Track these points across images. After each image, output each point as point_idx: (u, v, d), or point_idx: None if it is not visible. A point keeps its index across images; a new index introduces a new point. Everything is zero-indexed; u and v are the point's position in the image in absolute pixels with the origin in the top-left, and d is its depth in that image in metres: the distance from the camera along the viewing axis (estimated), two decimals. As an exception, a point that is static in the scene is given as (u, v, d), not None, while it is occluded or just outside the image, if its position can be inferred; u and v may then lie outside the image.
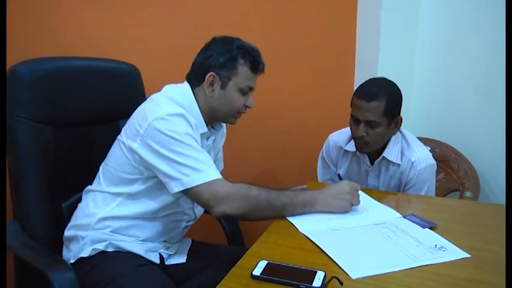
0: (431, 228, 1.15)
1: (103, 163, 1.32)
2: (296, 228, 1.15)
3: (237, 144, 1.85)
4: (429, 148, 1.66)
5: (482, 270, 0.96)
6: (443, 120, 2.10)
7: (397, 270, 0.94)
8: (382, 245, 1.06)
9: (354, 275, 0.91)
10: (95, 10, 2.06)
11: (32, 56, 1.33)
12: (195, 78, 1.29)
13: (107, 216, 1.24)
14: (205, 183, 1.13)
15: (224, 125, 1.47)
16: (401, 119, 1.51)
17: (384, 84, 1.49)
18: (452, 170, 1.96)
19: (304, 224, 1.17)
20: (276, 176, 2.26)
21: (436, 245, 1.05)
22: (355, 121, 1.48)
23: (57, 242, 1.31)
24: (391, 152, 1.54)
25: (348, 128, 1.60)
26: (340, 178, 1.70)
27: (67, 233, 1.29)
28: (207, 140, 1.34)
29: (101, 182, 1.29)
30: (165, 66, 1.82)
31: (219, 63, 1.24)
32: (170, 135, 1.14)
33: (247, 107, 1.31)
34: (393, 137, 1.55)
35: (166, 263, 1.32)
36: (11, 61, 1.28)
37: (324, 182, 1.72)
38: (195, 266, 1.36)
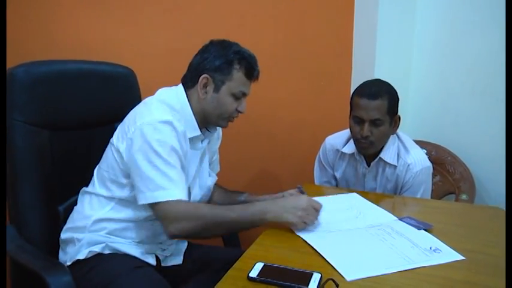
0: (426, 230, 1.16)
1: (97, 166, 1.33)
2: (292, 230, 1.15)
3: (234, 147, 1.85)
4: (425, 151, 1.66)
5: (477, 272, 0.97)
6: (440, 123, 2.10)
7: (392, 272, 0.94)
8: (378, 247, 1.06)
9: (349, 276, 0.92)
10: (92, 14, 2.07)
11: (29, 59, 1.33)
12: (190, 80, 1.29)
13: (102, 218, 1.25)
14: (164, 201, 1.13)
15: (219, 128, 1.47)
16: (399, 117, 1.52)
17: (382, 84, 1.51)
18: (448, 172, 1.97)
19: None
20: (273, 179, 2.27)
21: (431, 247, 1.05)
22: (358, 121, 1.48)
23: (53, 245, 1.31)
24: (387, 154, 1.55)
25: (345, 131, 1.61)
26: (336, 180, 1.71)
27: (63, 235, 1.29)
28: (201, 142, 1.34)
29: (95, 184, 1.30)
30: (161, 70, 1.83)
31: (214, 66, 1.25)
32: (151, 144, 1.14)
33: (239, 112, 1.31)
34: (390, 139, 1.56)
35: (162, 264, 1.32)
36: (8, 64, 1.28)
37: (321, 185, 1.73)
38: (191, 268, 1.36)
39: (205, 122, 1.32)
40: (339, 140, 1.67)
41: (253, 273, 0.92)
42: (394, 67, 2.03)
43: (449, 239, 1.10)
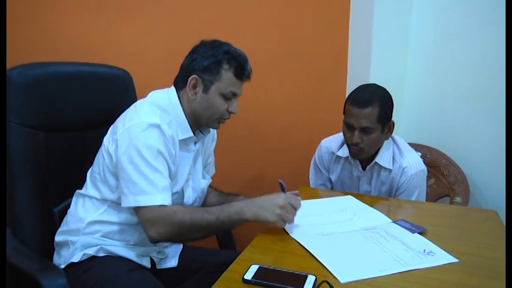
0: (421, 233, 1.16)
1: (90, 168, 1.33)
2: (287, 233, 1.15)
3: (230, 149, 1.86)
4: (420, 154, 1.67)
5: (471, 274, 0.97)
6: (434, 126, 2.11)
7: (386, 274, 0.95)
8: (372, 249, 1.07)
9: (344, 279, 0.92)
10: (88, 16, 2.07)
11: (24, 61, 1.33)
12: (180, 81, 1.29)
13: (96, 220, 1.25)
14: (145, 206, 1.14)
15: (214, 129, 1.47)
16: (393, 123, 1.53)
17: (376, 90, 1.51)
18: (442, 175, 1.98)
19: (295, 229, 1.18)
20: (268, 181, 2.27)
21: (424, 250, 1.06)
22: (349, 128, 1.49)
23: (48, 247, 1.30)
24: (382, 158, 1.56)
25: (340, 134, 1.62)
26: (331, 183, 1.72)
27: (57, 238, 1.29)
28: (194, 144, 1.34)
29: (88, 187, 1.30)
30: (157, 72, 1.83)
31: (203, 67, 1.24)
32: (137, 147, 1.15)
33: (231, 112, 1.30)
34: (385, 143, 1.56)
35: (157, 267, 1.32)
36: (4, 66, 1.28)
37: (316, 187, 1.73)
38: (186, 270, 1.36)
39: (197, 123, 1.32)
40: (334, 142, 1.67)
41: (248, 276, 0.92)
42: (389, 70, 2.04)
43: (443, 241, 1.11)
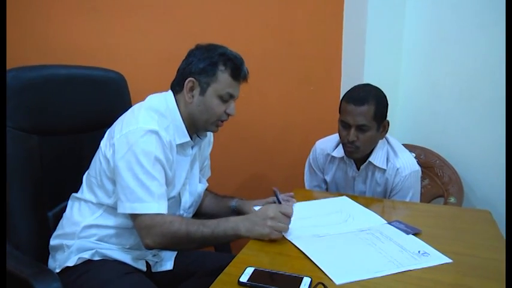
0: (415, 234, 1.17)
1: (86, 172, 1.32)
2: (283, 235, 1.15)
3: (225, 152, 1.86)
4: (414, 155, 1.68)
5: (465, 274, 0.98)
6: (428, 127, 2.13)
7: (381, 275, 0.95)
8: (367, 251, 1.07)
9: (339, 280, 0.93)
10: (83, 19, 2.06)
11: (19, 64, 1.32)
12: (177, 85, 1.29)
13: (91, 224, 1.24)
14: (141, 214, 1.14)
15: (210, 132, 1.47)
16: (388, 122, 1.53)
17: (371, 89, 1.52)
18: (436, 176, 1.99)
19: (290, 230, 1.17)
20: (263, 183, 2.27)
21: (419, 251, 1.06)
22: (345, 126, 1.50)
23: (42, 252, 1.30)
24: (377, 157, 1.56)
25: (335, 135, 1.62)
26: (326, 184, 1.72)
27: (52, 242, 1.28)
28: (192, 149, 1.34)
29: (84, 190, 1.29)
30: (152, 75, 1.83)
31: (199, 69, 1.24)
32: (135, 153, 1.14)
33: (229, 114, 1.30)
34: (379, 143, 1.57)
35: (153, 270, 1.32)
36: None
37: (311, 189, 1.74)
38: (182, 273, 1.36)
39: (194, 127, 1.31)
40: (329, 144, 1.68)
41: (244, 278, 0.92)
42: (383, 72, 2.05)
43: (437, 242, 1.11)
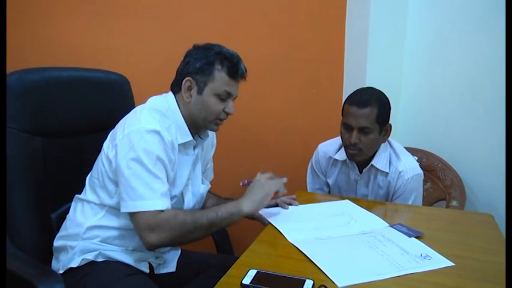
0: (417, 237, 1.17)
1: (89, 173, 1.33)
2: (285, 237, 1.16)
3: (227, 153, 1.86)
4: (416, 158, 1.68)
5: (466, 277, 0.98)
6: (430, 130, 2.13)
7: (383, 278, 0.95)
8: (369, 253, 1.08)
9: (341, 283, 0.93)
10: (85, 22, 2.08)
11: (22, 67, 1.33)
12: (176, 85, 1.30)
13: (95, 225, 1.25)
14: (143, 212, 1.14)
15: (213, 135, 1.48)
16: (390, 126, 1.54)
17: (374, 92, 1.53)
18: (439, 179, 1.99)
19: (292, 233, 1.18)
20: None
21: (421, 254, 1.07)
22: (347, 129, 1.50)
23: (46, 253, 1.30)
24: (379, 161, 1.56)
25: (337, 138, 1.62)
26: (329, 187, 1.72)
27: (56, 243, 1.29)
28: (194, 149, 1.35)
29: (87, 192, 1.30)
30: (154, 77, 1.83)
31: (196, 69, 1.25)
32: (137, 153, 1.15)
33: (227, 113, 1.30)
34: (382, 146, 1.57)
35: (156, 272, 1.32)
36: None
37: (313, 192, 1.74)
38: (184, 275, 1.36)
39: (195, 126, 1.32)
40: (332, 147, 1.68)
41: (246, 280, 0.93)
42: (385, 75, 2.06)
43: (439, 245, 1.12)
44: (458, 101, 1.99)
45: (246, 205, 1.21)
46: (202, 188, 1.41)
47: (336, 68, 2.11)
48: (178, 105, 1.29)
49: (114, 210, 1.24)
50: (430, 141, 2.10)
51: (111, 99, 1.53)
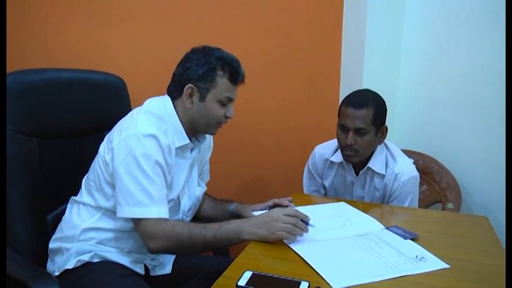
0: (413, 239, 1.17)
1: (85, 176, 1.33)
2: (281, 239, 1.16)
3: (224, 156, 1.86)
4: (413, 160, 1.68)
5: (462, 279, 0.98)
6: (427, 133, 2.13)
7: (378, 280, 0.96)
8: (364, 255, 1.08)
9: (336, 285, 0.93)
10: (82, 23, 2.07)
11: (18, 68, 1.33)
12: (175, 91, 1.29)
13: (90, 228, 1.24)
14: (142, 218, 1.15)
15: (210, 137, 1.48)
16: (386, 128, 1.54)
17: (370, 94, 1.53)
18: (435, 181, 2.00)
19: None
20: (262, 188, 2.28)
21: (417, 256, 1.07)
22: (343, 130, 1.50)
23: (41, 254, 1.30)
24: (375, 163, 1.57)
25: (334, 140, 1.63)
26: (325, 189, 1.73)
27: (51, 245, 1.29)
28: (191, 152, 1.34)
29: (83, 194, 1.30)
30: (151, 79, 1.84)
31: (198, 75, 1.24)
32: (135, 157, 1.15)
33: (228, 117, 1.30)
34: (378, 148, 1.58)
35: (151, 274, 1.32)
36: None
37: (309, 194, 1.74)
38: (180, 277, 1.36)
39: (194, 130, 1.32)
40: (328, 149, 1.68)
41: (242, 282, 0.93)
42: (382, 77, 2.06)
43: (435, 247, 1.12)
44: (455, 104, 2.00)
45: (247, 234, 1.15)
46: (198, 191, 1.40)
47: (332, 70, 2.12)
48: (175, 109, 1.28)
49: (110, 212, 1.24)
50: (426, 143, 2.11)
51: (107, 101, 1.52)
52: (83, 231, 1.24)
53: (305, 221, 1.19)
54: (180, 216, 1.34)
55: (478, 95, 1.90)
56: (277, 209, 1.22)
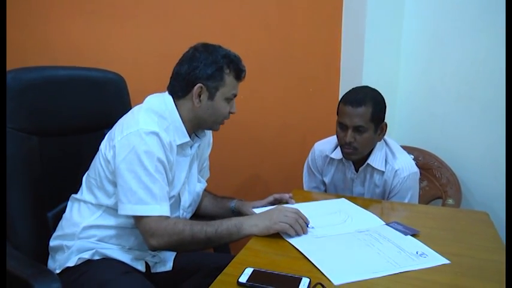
0: (413, 235, 1.17)
1: (86, 173, 1.33)
2: (281, 236, 1.16)
3: (224, 153, 1.86)
4: (413, 156, 1.69)
5: (462, 275, 0.99)
6: (426, 129, 2.14)
7: (379, 276, 0.96)
8: (365, 251, 1.08)
9: (337, 281, 0.93)
10: (82, 20, 2.07)
11: (19, 65, 1.33)
12: (180, 90, 1.28)
13: (91, 225, 1.25)
14: (144, 216, 1.15)
15: (210, 134, 1.48)
16: (386, 125, 1.54)
17: (369, 91, 1.53)
18: (435, 177, 2.00)
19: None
20: (262, 184, 2.28)
21: (417, 252, 1.07)
22: (342, 128, 1.51)
23: (42, 252, 1.30)
24: (375, 159, 1.57)
25: (334, 137, 1.63)
26: (325, 185, 1.73)
27: (52, 243, 1.29)
28: (191, 148, 1.35)
29: (83, 191, 1.30)
30: (151, 76, 1.83)
31: (207, 75, 1.24)
32: (137, 154, 1.15)
33: (232, 113, 1.33)
34: (377, 145, 1.58)
35: (152, 271, 1.32)
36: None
37: (309, 190, 1.74)
38: (181, 274, 1.36)
39: (198, 127, 1.33)
40: (328, 145, 1.68)
41: (243, 279, 0.93)
42: (381, 74, 2.06)
43: (435, 243, 1.12)
44: (455, 100, 2.00)
45: (248, 226, 1.16)
46: (199, 187, 1.41)
47: (332, 67, 2.12)
48: (177, 107, 1.28)
49: (111, 209, 1.24)
50: (426, 139, 2.11)
51: (107, 98, 1.52)
52: (84, 228, 1.24)
53: (305, 222, 1.20)
54: (181, 212, 1.34)
55: (477, 91, 1.90)
56: (279, 206, 1.23)
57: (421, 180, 1.68)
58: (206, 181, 1.50)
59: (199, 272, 1.37)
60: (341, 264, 1.01)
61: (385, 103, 1.53)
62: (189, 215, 1.39)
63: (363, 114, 1.46)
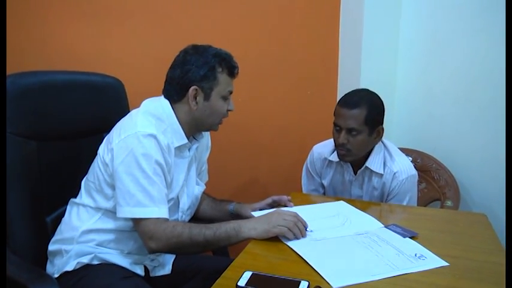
0: (412, 237, 1.17)
1: (85, 177, 1.33)
2: (280, 239, 1.16)
3: (222, 155, 1.86)
4: (411, 158, 1.69)
5: (461, 277, 0.99)
6: (425, 131, 2.14)
7: (377, 279, 0.96)
8: (364, 254, 1.08)
9: (336, 284, 0.93)
10: (80, 25, 2.07)
11: (17, 70, 1.32)
12: (175, 94, 1.28)
13: (90, 229, 1.24)
14: (142, 218, 1.15)
15: (208, 137, 1.48)
16: (383, 129, 1.54)
17: (366, 94, 1.53)
18: (433, 179, 2.00)
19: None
20: (261, 187, 2.28)
21: (416, 254, 1.07)
22: (337, 129, 1.51)
23: (40, 257, 1.30)
24: (373, 162, 1.57)
25: (332, 140, 1.63)
26: (324, 188, 1.73)
27: (51, 247, 1.28)
28: (189, 150, 1.35)
29: (82, 195, 1.30)
30: (149, 80, 1.83)
31: (200, 76, 1.25)
32: (135, 157, 1.15)
33: (229, 110, 1.33)
34: (376, 148, 1.58)
35: (151, 275, 1.32)
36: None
37: (308, 193, 1.74)
38: (180, 278, 1.36)
39: (196, 129, 1.33)
40: (326, 148, 1.68)
41: (242, 282, 0.93)
42: (379, 75, 2.07)
43: (434, 245, 1.12)
44: (453, 102, 2.00)
45: (247, 229, 1.15)
46: (197, 190, 1.41)
47: (330, 69, 2.12)
48: (174, 110, 1.28)
49: (110, 212, 1.24)
50: (424, 142, 2.11)
51: (105, 103, 1.52)
52: (83, 233, 1.24)
53: (304, 225, 1.20)
54: (180, 215, 1.34)
55: (475, 92, 1.90)
56: (277, 209, 1.24)
57: (419, 182, 1.69)
58: (205, 184, 1.50)
59: (198, 275, 1.37)
60: (340, 267, 1.01)
61: (383, 106, 1.53)
62: (188, 218, 1.39)
63: (357, 117, 1.46)
